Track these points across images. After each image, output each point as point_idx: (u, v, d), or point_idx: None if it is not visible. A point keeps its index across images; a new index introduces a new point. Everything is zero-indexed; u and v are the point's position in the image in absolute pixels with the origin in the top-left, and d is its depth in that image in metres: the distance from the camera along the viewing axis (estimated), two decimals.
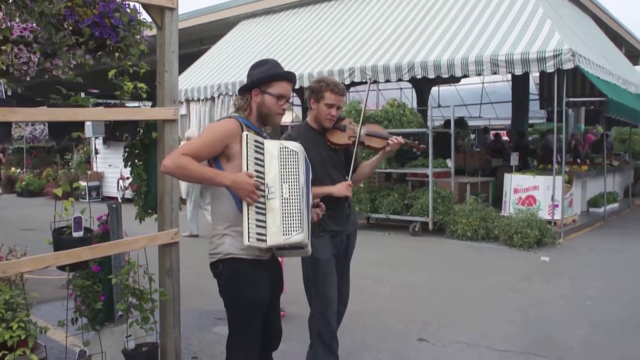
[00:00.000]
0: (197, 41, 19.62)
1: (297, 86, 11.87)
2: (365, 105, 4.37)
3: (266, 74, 3.06)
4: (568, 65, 9.66)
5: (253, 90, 3.07)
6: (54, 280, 6.96)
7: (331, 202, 3.71)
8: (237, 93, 3.12)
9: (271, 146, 2.91)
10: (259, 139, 2.92)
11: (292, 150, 2.89)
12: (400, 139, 3.90)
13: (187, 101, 15.50)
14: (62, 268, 3.45)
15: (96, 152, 15.41)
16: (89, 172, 15.88)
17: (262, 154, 2.88)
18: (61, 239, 3.42)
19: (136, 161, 4.07)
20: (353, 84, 13.04)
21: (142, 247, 3.72)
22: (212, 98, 15.06)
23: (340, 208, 3.89)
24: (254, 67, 3.14)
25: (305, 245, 2.92)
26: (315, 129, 3.89)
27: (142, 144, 4.03)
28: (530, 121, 18.90)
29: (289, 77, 3.13)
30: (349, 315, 4.32)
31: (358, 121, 3.94)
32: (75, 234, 3.44)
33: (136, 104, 7.95)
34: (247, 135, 2.85)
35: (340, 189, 3.76)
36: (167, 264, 3.91)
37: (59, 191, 3.36)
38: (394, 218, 11.05)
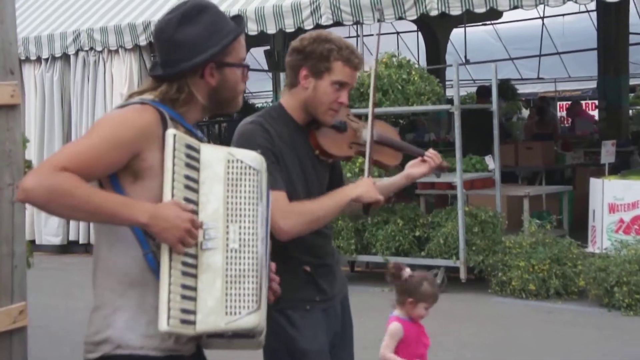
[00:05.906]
0: None
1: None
2: (375, 77, 4.37)
3: (228, 37, 3.06)
4: None
5: (206, 69, 3.04)
6: None
7: (315, 242, 3.77)
8: (155, 75, 3.04)
9: (212, 157, 2.88)
10: (193, 142, 2.89)
11: (250, 167, 2.89)
12: (438, 158, 4.09)
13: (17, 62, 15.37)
14: None
15: None
16: None
17: (197, 169, 2.84)
18: None
19: None
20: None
21: None
22: (66, 56, 15.03)
23: (327, 252, 3.92)
24: (182, 23, 3.02)
25: (258, 333, 2.91)
26: (297, 121, 3.88)
27: None
28: (632, 81, 19.15)
29: (243, 29, 3.21)
30: None
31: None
32: None
33: None
34: (174, 135, 2.79)
35: (369, 189, 3.75)
36: None
37: None
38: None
